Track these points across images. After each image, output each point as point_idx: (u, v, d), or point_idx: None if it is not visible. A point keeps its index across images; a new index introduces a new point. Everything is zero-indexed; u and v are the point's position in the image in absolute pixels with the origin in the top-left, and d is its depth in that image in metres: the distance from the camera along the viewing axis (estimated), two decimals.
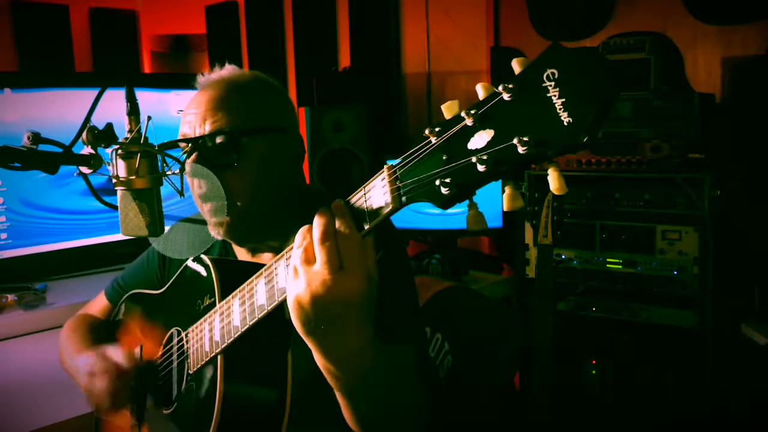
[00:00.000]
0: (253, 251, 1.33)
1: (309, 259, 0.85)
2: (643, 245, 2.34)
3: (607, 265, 2.41)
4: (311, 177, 2.87)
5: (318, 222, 0.85)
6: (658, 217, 2.32)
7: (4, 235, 2.25)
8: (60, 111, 2.32)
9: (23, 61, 3.56)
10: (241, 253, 1.35)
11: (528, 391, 2.54)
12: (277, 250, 1.30)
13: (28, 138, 1.00)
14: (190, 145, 1.20)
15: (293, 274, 0.87)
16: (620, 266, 2.39)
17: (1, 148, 0.98)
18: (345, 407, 1.01)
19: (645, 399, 2.39)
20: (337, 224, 0.84)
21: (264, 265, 0.97)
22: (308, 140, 2.88)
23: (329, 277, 0.83)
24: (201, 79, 1.30)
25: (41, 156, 1.00)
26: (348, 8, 3.47)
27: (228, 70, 1.31)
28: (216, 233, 1.25)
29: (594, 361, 2.48)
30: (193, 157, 1.19)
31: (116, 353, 1.26)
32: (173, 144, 1.20)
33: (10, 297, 2.06)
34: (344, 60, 3.51)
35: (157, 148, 1.05)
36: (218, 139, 1.20)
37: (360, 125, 2.88)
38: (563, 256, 2.48)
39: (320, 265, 0.83)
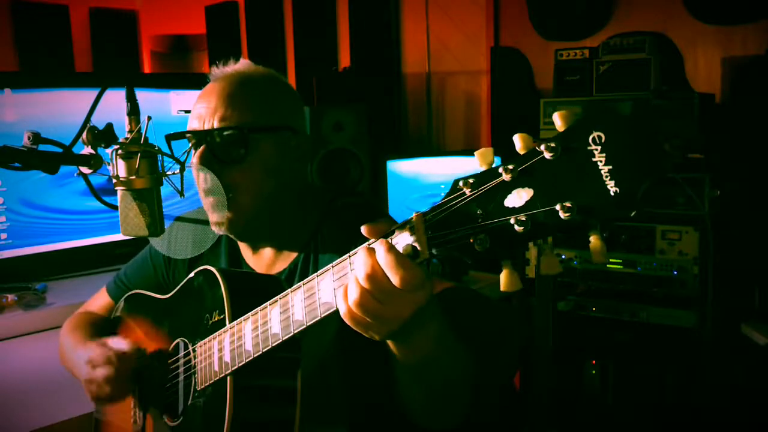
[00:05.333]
0: (254, 248, 1.34)
1: (384, 289, 0.81)
2: (643, 245, 2.34)
3: (607, 265, 2.41)
4: (311, 177, 2.87)
5: (384, 255, 0.80)
6: (658, 217, 2.32)
7: (4, 235, 2.24)
8: (60, 111, 2.32)
9: (23, 61, 3.55)
10: (244, 249, 1.35)
11: (528, 391, 2.54)
12: (277, 246, 1.31)
13: (28, 138, 1.00)
14: (206, 138, 1.20)
15: (351, 310, 0.83)
16: (620, 266, 2.39)
17: (1, 148, 0.98)
18: (410, 384, 0.98)
19: (645, 399, 2.39)
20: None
21: (265, 272, 0.95)
22: None
23: (410, 293, 0.81)
24: (215, 71, 1.30)
25: (41, 156, 1.00)
26: (348, 8, 3.47)
27: (243, 64, 1.32)
28: (217, 229, 1.25)
29: (594, 361, 2.48)
30: (200, 150, 1.20)
31: (118, 342, 1.26)
32: (182, 135, 1.21)
33: (10, 297, 2.06)
34: (344, 60, 3.51)
35: (157, 148, 1.06)
36: (227, 134, 1.20)
37: (360, 125, 2.88)
38: (563, 256, 2.48)
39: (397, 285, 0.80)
